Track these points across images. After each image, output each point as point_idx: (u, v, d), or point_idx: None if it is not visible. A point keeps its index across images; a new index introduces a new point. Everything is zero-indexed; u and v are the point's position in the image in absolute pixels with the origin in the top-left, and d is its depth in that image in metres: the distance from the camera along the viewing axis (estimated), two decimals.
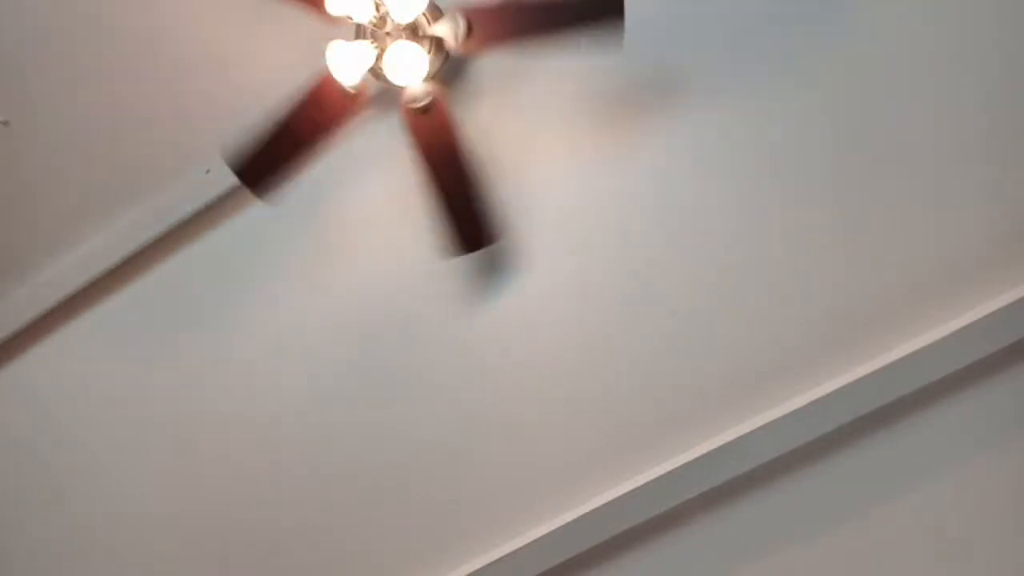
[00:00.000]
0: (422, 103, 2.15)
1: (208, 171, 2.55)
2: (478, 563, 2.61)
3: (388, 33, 2.10)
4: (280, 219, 2.57)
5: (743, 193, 2.34)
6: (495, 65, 2.36)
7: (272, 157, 2.18)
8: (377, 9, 2.07)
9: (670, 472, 2.42)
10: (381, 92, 2.36)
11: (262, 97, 2.42)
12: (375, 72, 2.14)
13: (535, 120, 2.39)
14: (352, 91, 2.13)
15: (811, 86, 2.26)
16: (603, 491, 2.50)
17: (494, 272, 2.51)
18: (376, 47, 2.09)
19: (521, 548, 2.56)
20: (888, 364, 2.27)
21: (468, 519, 2.65)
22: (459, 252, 2.31)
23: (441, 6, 2.19)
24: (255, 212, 2.60)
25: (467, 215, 2.24)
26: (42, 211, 2.66)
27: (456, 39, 2.08)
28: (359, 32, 2.15)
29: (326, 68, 2.07)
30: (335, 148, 2.39)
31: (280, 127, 2.16)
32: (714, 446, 2.39)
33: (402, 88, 2.15)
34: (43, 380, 2.86)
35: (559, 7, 2.01)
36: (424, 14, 2.15)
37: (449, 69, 2.31)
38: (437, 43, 2.17)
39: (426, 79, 2.15)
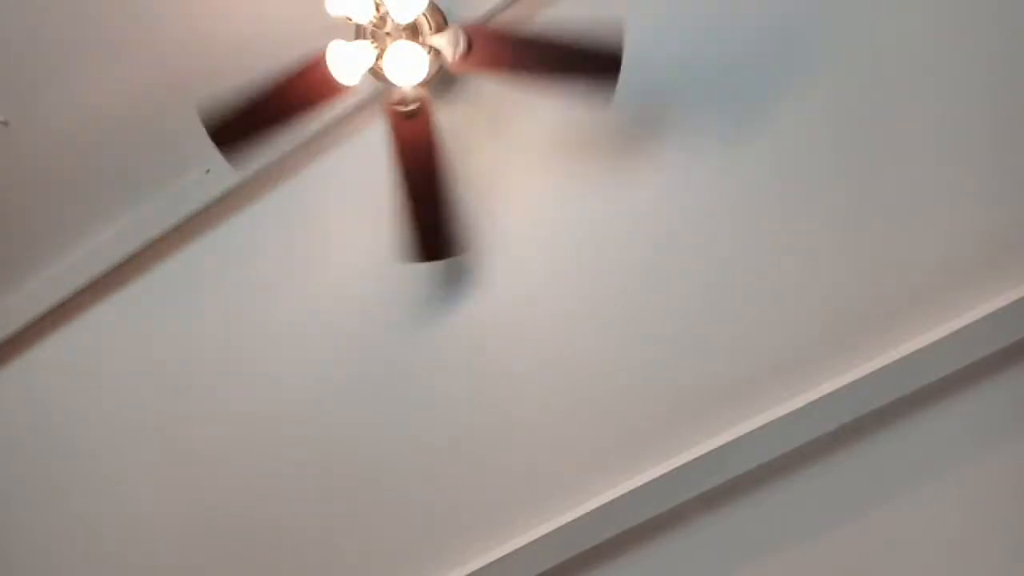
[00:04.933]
0: (409, 107, 2.16)
1: (208, 171, 2.55)
2: (478, 563, 2.61)
3: (388, 33, 2.11)
4: (280, 219, 2.57)
5: (742, 193, 2.34)
6: (486, 85, 2.37)
7: (247, 125, 2.18)
8: (377, 9, 2.07)
9: (670, 472, 2.42)
10: (375, 92, 2.36)
11: None
12: (375, 72, 2.14)
13: (516, 142, 2.39)
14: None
15: (811, 87, 2.26)
16: (603, 491, 2.50)
17: (494, 272, 2.52)
18: (376, 47, 2.10)
19: (521, 548, 2.56)
20: (888, 364, 2.27)
21: (468, 519, 2.65)
22: (417, 259, 2.31)
23: (448, 18, 2.19)
24: (255, 212, 2.60)
25: (432, 224, 2.24)
26: (42, 211, 2.66)
27: (454, 54, 2.08)
28: (359, 32, 2.15)
29: (320, 52, 2.07)
30: (334, 147, 2.39)
31: (261, 97, 2.16)
32: (714, 446, 2.39)
33: (391, 89, 2.15)
34: (43, 380, 2.86)
35: (561, 49, 2.04)
36: (427, 17, 2.15)
37: (441, 80, 2.31)
38: (434, 52, 2.18)
39: (418, 84, 2.15)
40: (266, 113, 2.14)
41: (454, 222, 2.29)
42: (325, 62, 2.05)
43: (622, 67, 2.03)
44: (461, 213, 2.30)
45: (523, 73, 2.10)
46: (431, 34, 2.15)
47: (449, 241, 2.30)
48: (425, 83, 2.20)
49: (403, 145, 2.18)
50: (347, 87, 2.12)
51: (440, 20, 2.19)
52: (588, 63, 2.05)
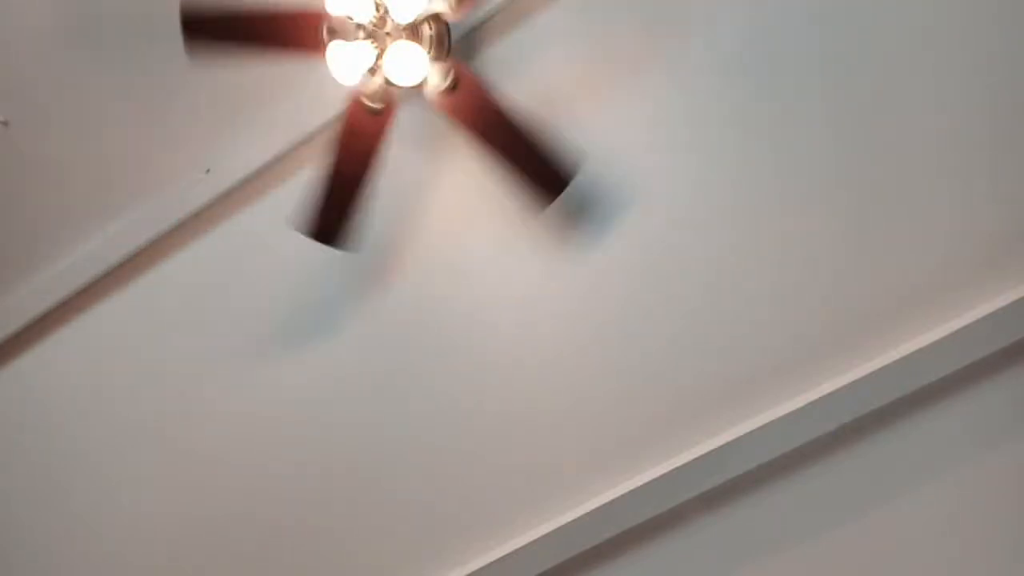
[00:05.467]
0: (375, 105, 2.17)
1: (208, 171, 2.55)
2: (478, 563, 2.61)
3: (388, 33, 2.11)
4: (280, 219, 2.57)
5: (743, 193, 2.34)
6: (501, 37, 2.34)
7: (336, 206, 2.25)
8: (377, 9, 2.07)
9: (670, 472, 2.42)
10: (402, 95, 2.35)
11: (264, 95, 2.43)
12: (374, 72, 2.14)
13: (556, 78, 2.37)
14: (378, 107, 2.16)
15: (811, 87, 2.26)
16: (603, 491, 2.50)
17: (495, 273, 2.52)
18: (376, 47, 2.10)
19: (521, 548, 2.56)
20: (888, 364, 2.27)
21: (468, 519, 2.65)
22: (547, 202, 2.26)
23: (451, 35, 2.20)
24: (255, 212, 2.60)
25: (538, 163, 2.20)
26: (42, 211, 2.67)
27: (436, 87, 2.13)
28: (359, 32, 2.15)
29: (347, 98, 2.11)
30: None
31: (331, 175, 2.21)
32: (714, 446, 2.39)
33: (415, 86, 2.15)
34: (43, 380, 2.86)
35: (523, 144, 2.14)
36: (429, 25, 2.15)
37: (459, 47, 2.29)
38: (437, 21, 2.17)
39: (439, 60, 2.16)
40: (244, 30, 2.13)
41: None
42: (319, 18, 2.07)
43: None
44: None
45: (483, 141, 2.15)
46: (428, 48, 2.15)
47: (565, 167, 2.23)
48: (449, 52, 2.20)
49: (464, 116, 2.17)
50: (389, 109, 2.16)
51: (442, 28, 2.19)
52: (540, 173, 2.16)
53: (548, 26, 2.33)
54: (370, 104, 2.17)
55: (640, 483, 2.45)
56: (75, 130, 2.52)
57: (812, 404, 2.32)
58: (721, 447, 2.38)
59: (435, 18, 2.16)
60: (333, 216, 2.29)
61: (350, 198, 2.26)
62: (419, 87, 2.16)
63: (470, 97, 2.16)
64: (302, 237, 2.34)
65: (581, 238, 2.44)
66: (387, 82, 2.13)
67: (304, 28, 2.12)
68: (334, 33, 2.09)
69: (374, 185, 2.26)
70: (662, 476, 2.43)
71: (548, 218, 2.40)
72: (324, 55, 2.08)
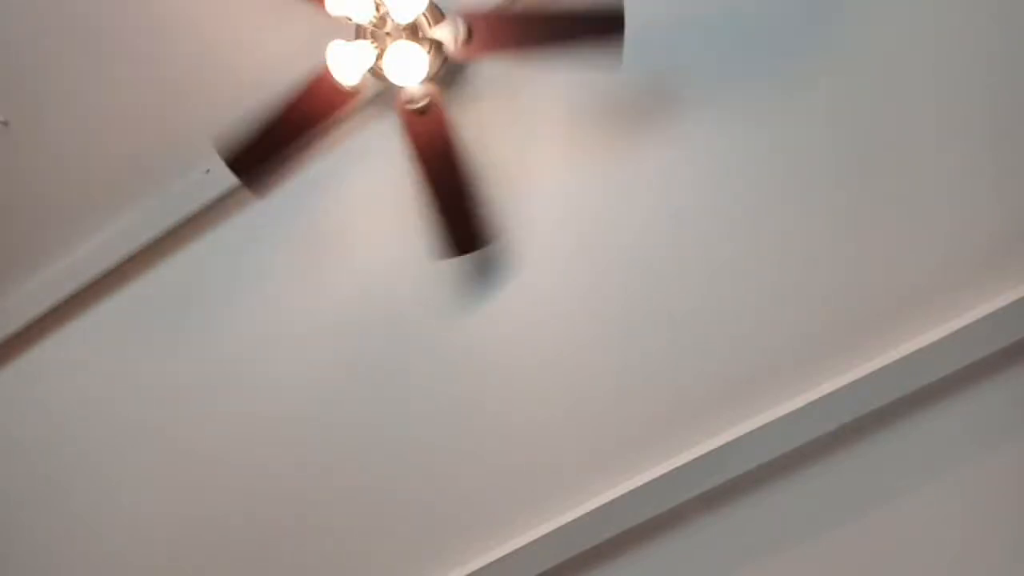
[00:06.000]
0: (419, 104, 2.16)
1: (208, 171, 2.55)
2: (478, 563, 2.61)
3: (388, 33, 2.11)
4: (279, 219, 2.57)
5: (742, 194, 2.34)
6: (494, 70, 2.37)
7: (265, 149, 2.18)
8: (377, 9, 2.07)
9: (670, 472, 2.42)
10: (379, 91, 2.36)
11: (263, 95, 2.42)
12: (375, 72, 2.14)
13: (532, 125, 2.39)
14: (348, 88, 2.13)
15: (811, 88, 2.26)
16: (603, 491, 2.50)
17: (493, 273, 2.51)
18: (376, 47, 2.10)
19: (521, 548, 2.56)
20: (888, 364, 2.27)
21: (468, 519, 2.65)
22: (452, 254, 2.31)
23: (443, 8, 2.19)
24: (255, 212, 2.60)
25: (461, 216, 2.24)
26: (42, 211, 2.67)
27: (456, 43, 2.08)
28: (359, 32, 2.15)
29: (323, 63, 2.06)
30: (333, 147, 2.39)
31: (273, 119, 2.16)
32: (714, 446, 2.39)
33: (400, 88, 2.16)
34: (43, 380, 2.86)
35: (561, 19, 2.02)
36: (425, 15, 2.15)
37: (447, 72, 2.31)
38: (436, 46, 2.18)
39: (424, 80, 2.15)
40: (281, 134, 2.14)
41: (481, 212, 2.28)
42: (328, 72, 2.06)
43: (625, 26, 2.00)
44: (486, 202, 2.29)
45: (527, 49, 2.08)
46: (431, 28, 2.15)
47: (479, 232, 2.29)
48: (433, 78, 2.20)
49: (419, 142, 2.17)
50: (356, 92, 2.12)
51: (437, 14, 2.19)
52: (591, 27, 2.02)
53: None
54: (415, 107, 2.16)
55: (640, 483, 2.45)
56: (75, 130, 2.52)
57: (812, 404, 2.32)
58: (721, 447, 2.38)
59: (436, 45, 2.17)
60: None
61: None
62: (444, 58, 2.15)
63: (432, 127, 2.17)
64: (301, 238, 2.34)
65: (581, 239, 2.44)
66: (372, 72, 2.13)
67: (323, 92, 2.11)
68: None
69: (308, 147, 2.21)
70: (662, 476, 2.43)
71: (551, 216, 2.39)
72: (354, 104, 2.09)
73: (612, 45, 2.02)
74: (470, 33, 2.07)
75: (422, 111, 2.16)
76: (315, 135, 2.18)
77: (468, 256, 2.37)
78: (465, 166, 2.19)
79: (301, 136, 2.16)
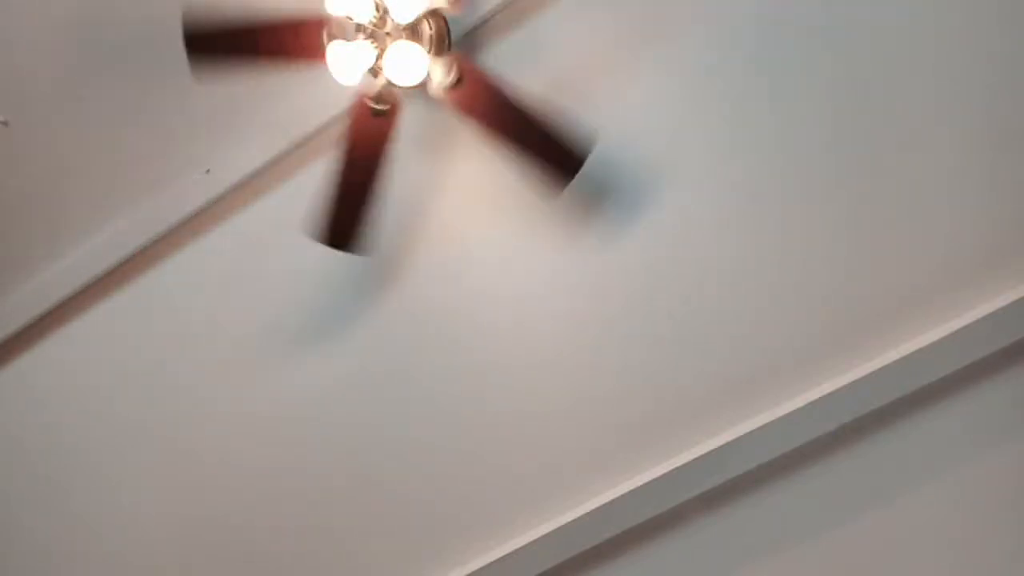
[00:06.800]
0: (380, 106, 2.17)
1: (208, 171, 2.55)
2: (478, 563, 2.61)
3: (388, 33, 2.11)
4: (279, 219, 2.57)
5: (743, 194, 2.34)
6: (504, 31, 2.33)
7: (347, 212, 2.25)
8: (377, 9, 2.07)
9: (670, 472, 2.42)
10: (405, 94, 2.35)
11: (263, 95, 2.43)
12: (375, 72, 2.14)
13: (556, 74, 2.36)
14: (382, 108, 2.16)
15: (812, 87, 2.25)
16: (603, 491, 2.50)
17: (495, 272, 2.52)
18: (376, 47, 2.10)
19: (521, 548, 2.56)
20: (888, 364, 2.27)
21: (468, 519, 2.65)
22: (563, 183, 2.23)
23: (451, 32, 2.19)
24: (255, 212, 2.60)
25: (552, 145, 2.18)
26: (42, 211, 2.66)
27: (441, 83, 2.12)
28: (359, 32, 2.15)
29: (352, 101, 2.11)
30: (333, 148, 2.38)
31: (340, 180, 2.21)
32: (714, 446, 2.39)
33: (418, 85, 2.15)
34: (43, 380, 2.86)
35: (536, 127, 2.10)
36: (428, 23, 2.15)
37: (460, 44, 2.28)
38: (438, 19, 2.17)
39: (442, 55, 2.15)
40: (245, 43, 2.12)
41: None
42: (320, 24, 2.06)
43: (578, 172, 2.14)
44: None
45: (493, 130, 2.14)
46: (428, 48, 2.15)
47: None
48: (449, 49, 2.20)
49: (472, 109, 2.16)
50: (394, 109, 2.16)
51: (442, 27, 2.18)
52: (553, 154, 2.13)
53: (550, 21, 2.32)
54: (375, 106, 2.17)
55: (640, 483, 2.45)
56: (75, 130, 2.52)
57: (812, 404, 2.32)
58: (721, 447, 2.38)
59: (434, 15, 2.16)
60: (345, 222, 2.28)
61: (360, 203, 2.26)
62: (423, 85, 2.16)
63: (476, 89, 2.16)
64: (301, 237, 2.34)
65: (581, 239, 2.44)
66: (390, 83, 2.13)
67: (306, 36, 2.12)
68: (334, 38, 2.09)
69: (383, 188, 2.26)
70: (662, 476, 2.43)
71: (550, 217, 2.40)
72: (326, 60, 2.08)
73: (562, 177, 2.15)
74: (459, 82, 2.11)
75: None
76: (381, 172, 2.22)
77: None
78: (526, 102, 2.14)
79: (372, 182, 2.22)
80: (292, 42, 2.13)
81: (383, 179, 2.25)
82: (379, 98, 2.16)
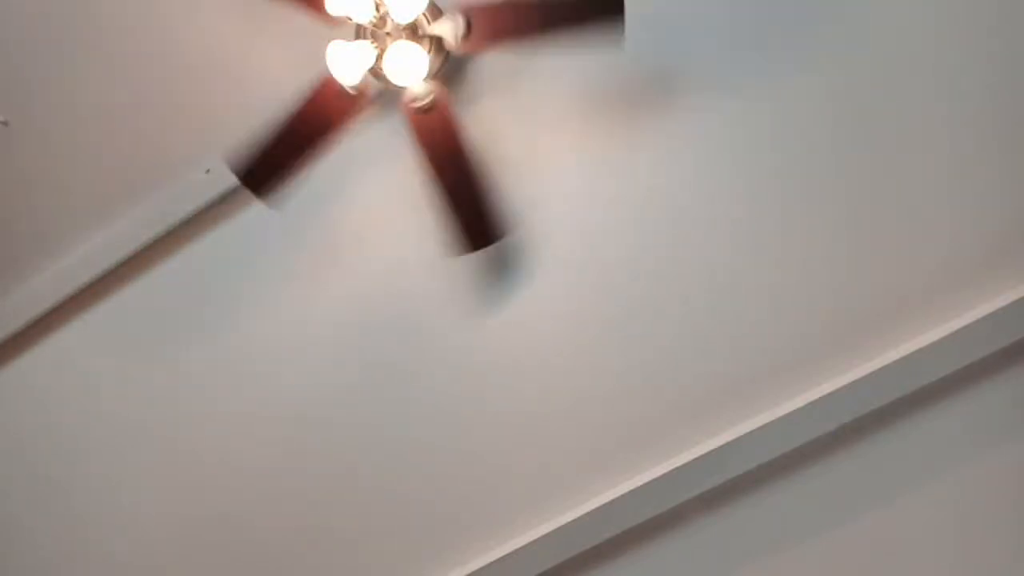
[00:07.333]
0: (424, 102, 2.16)
1: (208, 171, 2.55)
2: (478, 563, 2.61)
3: (388, 33, 2.10)
4: (280, 219, 2.57)
5: (743, 194, 2.34)
6: (496, 63, 2.36)
7: (274, 160, 2.19)
8: (377, 9, 2.07)
9: (670, 472, 2.42)
10: (382, 92, 2.36)
11: (262, 96, 2.42)
12: (375, 72, 2.14)
13: (537, 118, 2.39)
14: (352, 92, 2.13)
15: (813, 86, 2.26)
16: (603, 491, 2.50)
17: (495, 273, 2.51)
18: (376, 47, 2.09)
19: (521, 548, 2.56)
20: (888, 364, 2.27)
21: (468, 519, 2.65)
22: (466, 250, 2.29)
23: (441, 5, 2.19)
24: (255, 212, 2.60)
25: (473, 212, 2.23)
26: (42, 211, 2.66)
27: (456, 38, 2.08)
28: (359, 32, 2.15)
29: (326, 69, 2.06)
30: (336, 148, 2.39)
31: (281, 130, 2.16)
32: (714, 446, 2.39)
33: (402, 88, 2.15)
34: (43, 380, 2.85)
35: (559, 5, 2.01)
36: (424, 13, 2.15)
37: (450, 68, 2.31)
38: (437, 42, 2.17)
39: (427, 78, 2.15)
40: (291, 144, 2.14)
41: (493, 207, 2.27)
42: (332, 78, 2.06)
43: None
44: (498, 195, 2.28)
45: (527, 37, 2.07)
46: (429, 25, 2.15)
47: (494, 225, 2.28)
48: (436, 75, 2.20)
49: (426, 140, 2.17)
50: (362, 96, 2.12)
51: (436, 11, 2.19)
52: (591, 8, 2.01)
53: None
54: (420, 104, 2.16)
55: (640, 483, 2.45)
56: (75, 130, 2.52)
57: (812, 404, 2.32)
58: (721, 447, 2.38)
59: (437, 42, 2.17)
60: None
61: (291, 156, 2.22)
62: (402, 92, 2.16)
63: (438, 125, 2.17)
64: (301, 237, 2.34)
65: (582, 239, 2.44)
66: (373, 74, 2.13)
67: (332, 102, 2.12)
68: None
69: (319, 156, 2.22)
70: (662, 476, 2.43)
71: (547, 219, 2.39)
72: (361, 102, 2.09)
73: (612, 28, 2.00)
74: (469, 26, 2.07)
75: (427, 109, 2.16)
76: (325, 143, 2.18)
77: (482, 252, 2.36)
78: (473, 162, 2.18)
79: (311, 146, 2.17)
80: (324, 114, 2.13)
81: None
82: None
